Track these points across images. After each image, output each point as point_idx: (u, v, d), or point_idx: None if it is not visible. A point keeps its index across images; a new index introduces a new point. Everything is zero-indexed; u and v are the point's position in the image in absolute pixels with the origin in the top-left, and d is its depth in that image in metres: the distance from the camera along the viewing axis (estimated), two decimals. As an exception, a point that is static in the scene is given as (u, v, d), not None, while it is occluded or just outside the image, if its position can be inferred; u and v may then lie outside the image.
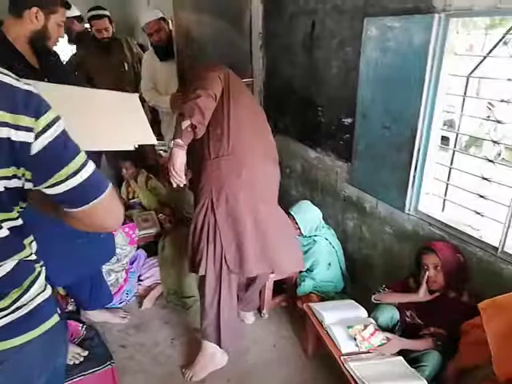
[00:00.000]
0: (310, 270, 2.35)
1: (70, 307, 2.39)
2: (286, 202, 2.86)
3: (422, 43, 1.71)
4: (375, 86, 2.03)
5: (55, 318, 0.91)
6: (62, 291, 2.33)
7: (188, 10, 2.58)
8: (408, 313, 1.84)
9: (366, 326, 1.75)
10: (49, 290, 0.93)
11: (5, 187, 0.73)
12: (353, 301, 2.11)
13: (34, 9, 1.51)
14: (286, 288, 2.48)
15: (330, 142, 2.52)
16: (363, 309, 1.98)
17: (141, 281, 2.65)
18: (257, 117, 2.01)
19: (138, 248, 2.75)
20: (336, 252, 2.40)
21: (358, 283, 2.49)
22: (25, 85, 0.72)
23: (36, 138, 0.71)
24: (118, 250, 2.46)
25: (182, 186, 1.70)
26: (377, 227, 2.30)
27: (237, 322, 2.20)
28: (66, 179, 0.76)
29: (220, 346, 1.97)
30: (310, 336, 2.03)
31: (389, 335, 1.73)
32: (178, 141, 1.63)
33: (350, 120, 2.29)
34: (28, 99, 0.70)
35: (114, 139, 1.37)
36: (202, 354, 1.99)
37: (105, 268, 2.43)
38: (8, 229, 0.78)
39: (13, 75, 0.72)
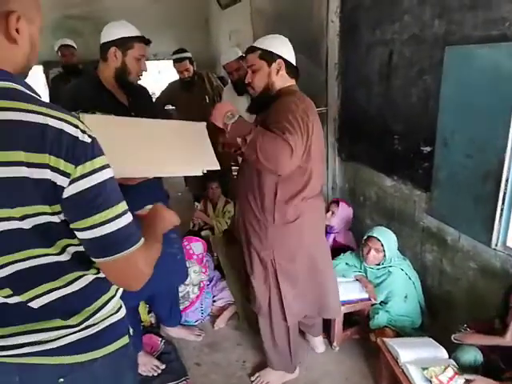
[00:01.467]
0: (384, 303, 2.27)
1: (152, 321, 2.57)
2: (359, 230, 2.82)
3: (510, 71, 1.64)
4: (457, 115, 1.96)
5: (124, 340, 0.94)
6: (143, 307, 2.52)
7: (267, 46, 2.73)
8: (491, 356, 1.69)
9: (444, 369, 1.64)
10: (123, 311, 0.96)
11: (33, 225, 0.75)
12: (431, 339, 1.99)
13: (113, 48, 1.68)
14: (358, 320, 2.42)
15: (407, 171, 2.45)
16: (443, 348, 1.86)
17: (214, 301, 2.76)
18: (323, 159, 1.99)
19: (214, 268, 2.90)
20: (413, 284, 2.28)
21: (438, 320, 2.34)
22: (78, 131, 0.74)
23: (70, 183, 0.73)
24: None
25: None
26: (459, 262, 2.17)
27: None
28: (90, 228, 0.76)
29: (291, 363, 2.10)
30: (383, 372, 1.95)
31: (472, 376, 1.59)
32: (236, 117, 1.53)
33: (429, 148, 2.22)
34: (73, 145, 0.72)
35: (183, 165, 1.48)
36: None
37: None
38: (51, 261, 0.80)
39: (73, 121, 0.75)
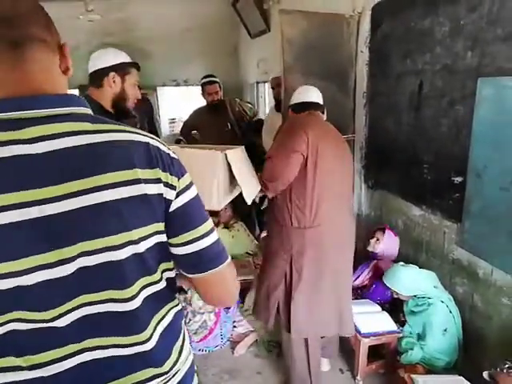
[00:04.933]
0: (420, 338, 2.17)
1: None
2: (386, 259, 2.76)
3: (547, 103, 1.61)
4: (491, 146, 1.93)
5: (196, 379, 0.90)
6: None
7: (297, 74, 2.79)
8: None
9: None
10: (192, 355, 0.90)
11: (146, 248, 0.72)
12: (462, 378, 1.89)
13: (111, 74, 1.60)
14: (385, 354, 2.33)
15: (436, 201, 2.41)
16: (474, 388, 1.77)
17: (235, 327, 2.72)
18: (342, 169, 2.05)
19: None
20: (454, 318, 2.17)
21: (469, 358, 2.23)
22: (166, 148, 0.77)
23: (176, 196, 0.74)
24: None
25: None
26: (492, 297, 2.08)
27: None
28: (191, 242, 0.76)
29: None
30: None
31: None
32: None
33: (460, 179, 2.18)
34: (172, 161, 0.75)
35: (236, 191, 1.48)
36: None
37: (188, 309, 2.54)
38: (151, 293, 0.76)
39: (160, 140, 0.78)
